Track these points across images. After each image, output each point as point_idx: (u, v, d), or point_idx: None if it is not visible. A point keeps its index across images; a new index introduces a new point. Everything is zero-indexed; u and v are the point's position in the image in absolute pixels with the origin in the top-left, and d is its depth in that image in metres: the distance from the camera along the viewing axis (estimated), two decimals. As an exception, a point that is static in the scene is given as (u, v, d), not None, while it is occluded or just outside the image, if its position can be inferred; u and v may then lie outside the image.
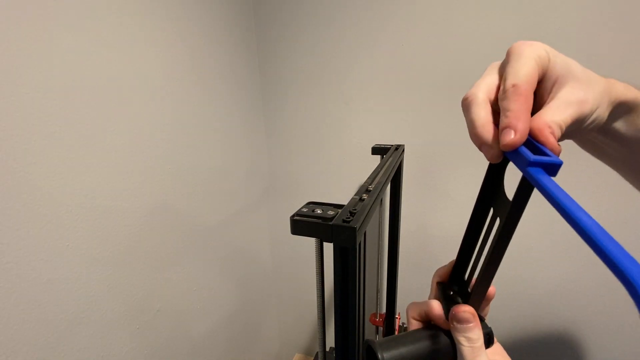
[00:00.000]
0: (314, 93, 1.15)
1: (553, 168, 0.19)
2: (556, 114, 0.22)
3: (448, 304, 0.27)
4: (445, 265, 0.30)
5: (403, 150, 0.87)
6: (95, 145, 0.66)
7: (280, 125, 1.24)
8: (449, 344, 0.25)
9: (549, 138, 0.20)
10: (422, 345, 0.25)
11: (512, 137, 0.20)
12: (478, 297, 0.25)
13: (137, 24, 0.74)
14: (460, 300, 0.27)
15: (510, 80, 0.22)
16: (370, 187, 0.49)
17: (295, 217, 0.41)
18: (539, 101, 0.24)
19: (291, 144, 1.25)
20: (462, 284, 0.29)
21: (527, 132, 0.20)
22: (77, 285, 0.64)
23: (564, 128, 0.22)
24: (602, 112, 0.25)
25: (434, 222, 1.11)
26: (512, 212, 0.21)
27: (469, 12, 0.91)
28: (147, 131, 0.77)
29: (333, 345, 0.45)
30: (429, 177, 1.07)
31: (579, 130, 0.25)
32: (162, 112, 0.81)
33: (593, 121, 0.25)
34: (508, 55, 0.24)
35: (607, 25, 0.81)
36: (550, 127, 0.21)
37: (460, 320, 0.24)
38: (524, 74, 0.22)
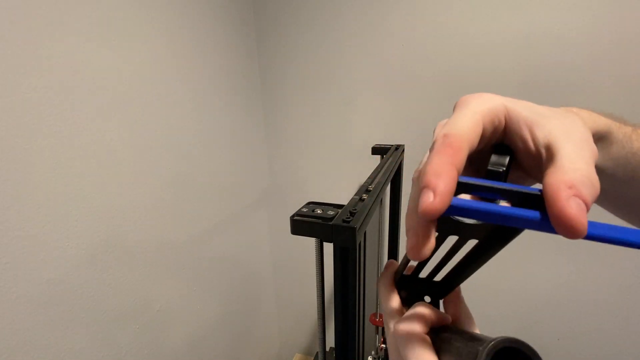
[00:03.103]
0: (314, 93, 1.15)
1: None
2: (577, 161, 0.15)
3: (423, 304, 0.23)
4: (386, 276, 0.26)
5: (403, 150, 0.87)
6: (96, 145, 0.66)
7: (280, 126, 1.24)
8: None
9: (571, 209, 0.13)
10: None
11: (430, 200, 0.15)
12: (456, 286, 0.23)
13: (137, 25, 0.74)
14: (428, 294, 0.25)
15: (442, 131, 0.18)
16: (370, 187, 0.49)
17: (295, 217, 0.41)
18: (523, 163, 0.19)
19: (291, 144, 1.25)
20: (418, 279, 0.25)
21: (450, 194, 0.15)
22: (77, 285, 0.64)
23: (596, 185, 0.15)
24: None
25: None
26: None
27: (470, 13, 0.91)
28: (147, 132, 0.77)
29: (333, 345, 0.45)
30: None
31: None
32: (161, 113, 0.81)
33: None
34: (454, 109, 0.20)
35: (607, 27, 0.81)
36: (572, 185, 0.14)
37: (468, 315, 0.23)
38: (461, 125, 0.18)
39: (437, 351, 0.20)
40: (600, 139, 0.24)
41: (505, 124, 0.19)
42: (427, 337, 0.20)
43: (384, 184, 0.54)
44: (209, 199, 1.00)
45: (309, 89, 1.15)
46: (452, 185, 0.15)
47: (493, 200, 0.16)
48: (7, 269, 0.53)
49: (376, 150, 0.89)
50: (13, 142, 0.53)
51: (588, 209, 0.14)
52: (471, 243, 0.19)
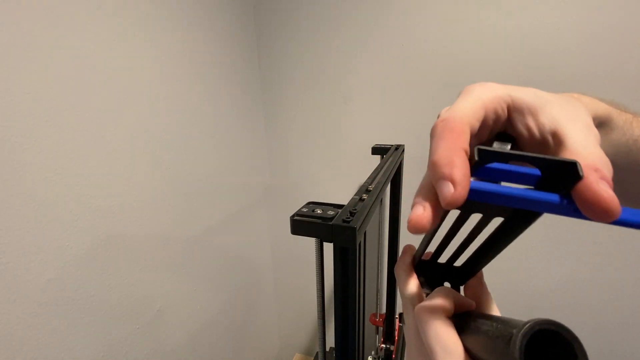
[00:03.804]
0: (314, 93, 1.15)
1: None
2: (588, 146, 0.16)
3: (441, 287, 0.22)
4: (404, 260, 0.25)
5: (403, 150, 0.87)
6: (96, 145, 0.66)
7: (280, 125, 1.24)
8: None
9: (604, 192, 0.13)
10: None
11: (451, 191, 0.15)
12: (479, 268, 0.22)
13: (136, 24, 0.74)
14: (448, 281, 0.24)
15: (441, 117, 0.18)
16: (370, 187, 0.49)
17: (295, 217, 0.41)
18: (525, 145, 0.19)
19: (291, 144, 1.25)
20: (437, 265, 0.24)
21: (468, 178, 0.15)
22: (77, 285, 0.64)
23: (611, 167, 0.15)
24: None
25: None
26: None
27: (470, 12, 0.91)
28: (147, 132, 0.77)
29: (333, 345, 0.45)
30: (429, 177, 1.07)
31: None
32: (161, 113, 0.81)
33: None
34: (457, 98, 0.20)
35: (606, 26, 0.81)
36: (597, 168, 0.14)
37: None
38: (460, 109, 0.18)
39: (461, 335, 0.18)
40: (600, 124, 0.23)
41: (508, 112, 0.19)
42: (450, 321, 0.19)
43: (384, 184, 0.54)
44: (209, 198, 1.00)
45: (309, 88, 1.15)
46: (468, 170, 0.15)
47: (497, 182, 0.16)
48: (7, 269, 0.53)
49: (376, 150, 0.89)
50: (13, 142, 0.53)
51: None
52: (493, 225, 0.19)
